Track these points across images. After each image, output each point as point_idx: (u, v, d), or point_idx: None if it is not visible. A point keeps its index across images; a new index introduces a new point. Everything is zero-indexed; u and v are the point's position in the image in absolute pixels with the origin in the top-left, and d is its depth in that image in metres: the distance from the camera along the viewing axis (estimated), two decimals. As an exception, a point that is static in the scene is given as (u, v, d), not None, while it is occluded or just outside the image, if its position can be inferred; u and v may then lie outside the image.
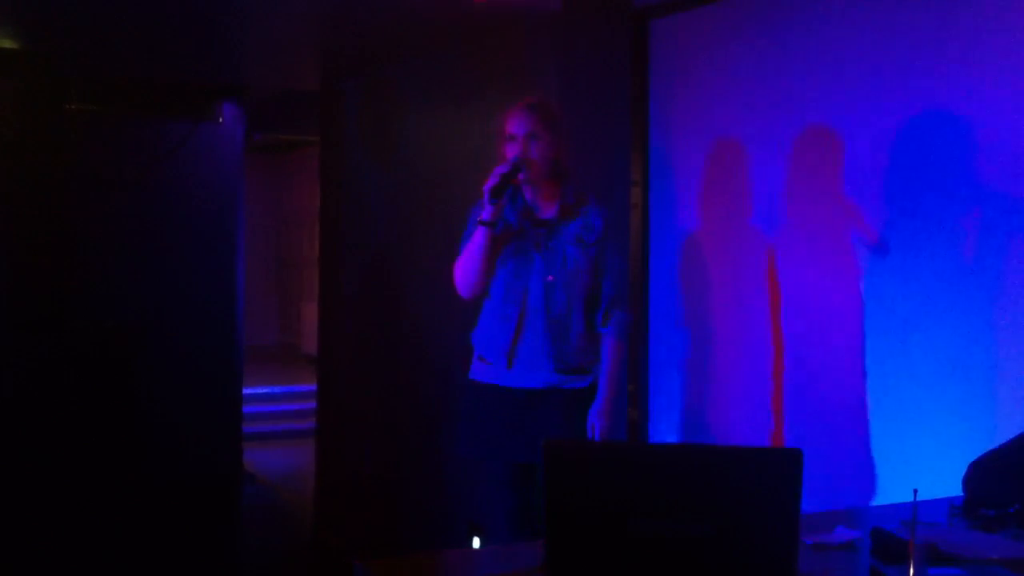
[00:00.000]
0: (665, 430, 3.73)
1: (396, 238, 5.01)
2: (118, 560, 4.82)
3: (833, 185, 3.09)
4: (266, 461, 7.70)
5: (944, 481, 2.34)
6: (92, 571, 4.77)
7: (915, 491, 1.75)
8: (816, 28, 3.16)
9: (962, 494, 2.26)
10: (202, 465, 5.94)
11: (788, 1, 3.28)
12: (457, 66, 4.48)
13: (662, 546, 1.52)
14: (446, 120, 4.60)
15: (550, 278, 2.98)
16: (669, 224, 3.75)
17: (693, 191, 3.66)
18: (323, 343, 5.86)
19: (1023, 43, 2.60)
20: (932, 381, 2.80)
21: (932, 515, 2.15)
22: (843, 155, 3.06)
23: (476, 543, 3.32)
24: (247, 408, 6.66)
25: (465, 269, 3.01)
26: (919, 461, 2.80)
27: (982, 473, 2.23)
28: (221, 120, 6.11)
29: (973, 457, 2.27)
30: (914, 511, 1.71)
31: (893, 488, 2.85)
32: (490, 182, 2.90)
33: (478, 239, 2.96)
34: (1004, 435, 2.36)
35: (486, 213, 2.93)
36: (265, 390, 9.32)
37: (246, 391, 6.63)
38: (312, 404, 6.11)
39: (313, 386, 6.11)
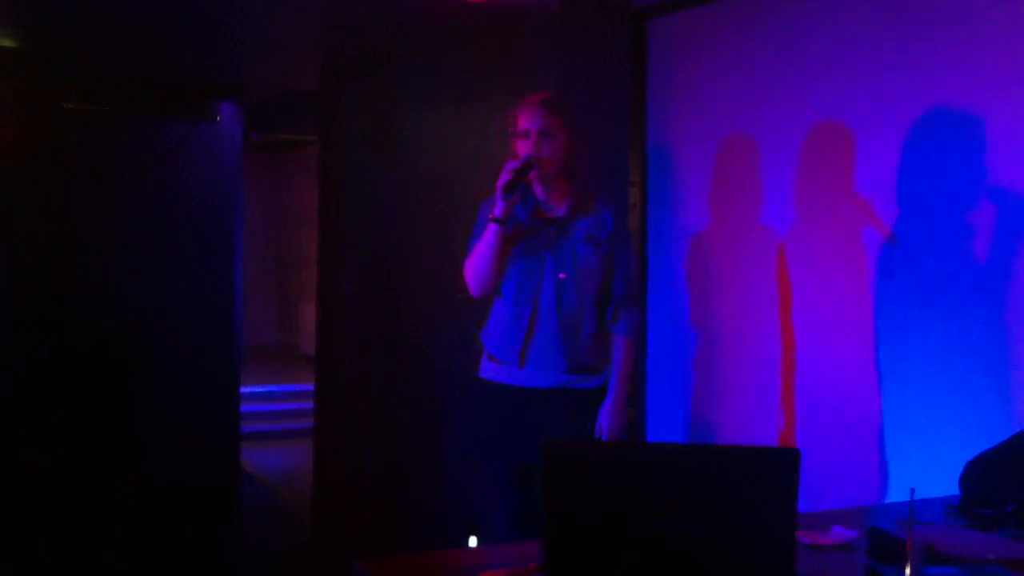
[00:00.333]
0: (664, 430, 3.73)
1: (395, 238, 5.01)
2: (117, 560, 4.82)
3: (840, 183, 3.08)
4: (265, 461, 7.70)
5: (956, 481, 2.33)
6: (91, 571, 4.77)
7: (912, 490, 1.76)
8: (819, 26, 3.15)
9: (959, 493, 2.27)
10: (200, 465, 5.95)
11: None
12: (456, 66, 4.49)
13: (660, 545, 1.53)
14: (445, 120, 4.60)
15: (561, 276, 2.96)
16: (668, 224, 3.75)
17: (693, 191, 3.66)
18: (322, 343, 5.86)
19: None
20: (944, 380, 2.78)
21: (929, 515, 2.16)
22: (851, 153, 3.03)
23: (473, 542, 3.32)
24: (246, 408, 6.67)
25: (476, 267, 2.98)
26: (930, 460, 2.79)
27: (979, 472, 2.24)
28: (220, 120, 6.12)
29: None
30: (911, 510, 1.71)
31: (904, 488, 2.82)
32: (503, 178, 2.87)
33: (489, 236, 2.93)
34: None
35: (498, 210, 2.90)
36: (264, 389, 9.32)
37: (245, 390, 6.64)
38: (311, 404, 6.11)
39: (312, 386, 6.11)
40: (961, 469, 2.27)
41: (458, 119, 4.48)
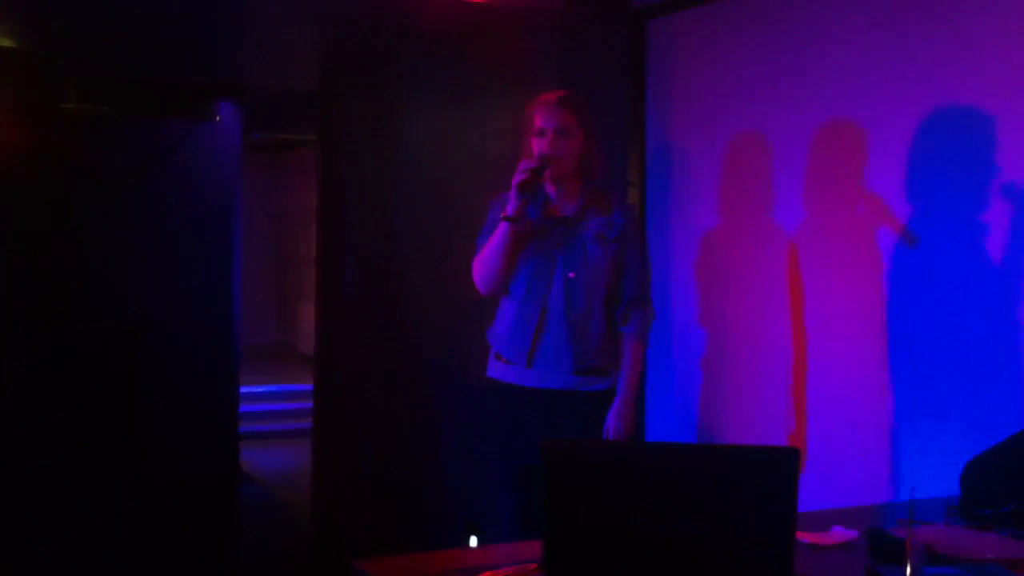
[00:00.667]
0: (671, 431, 3.73)
1: (394, 237, 5.02)
2: (116, 560, 4.82)
3: (851, 182, 3.06)
4: (264, 461, 7.70)
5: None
6: (90, 571, 4.77)
7: (912, 490, 1.76)
8: (823, 25, 3.14)
9: (959, 493, 2.27)
10: (199, 464, 5.94)
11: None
12: (455, 66, 4.49)
13: (660, 545, 1.53)
14: (444, 120, 4.61)
15: (571, 275, 2.92)
16: (667, 224, 3.75)
17: (695, 190, 3.66)
18: (320, 342, 5.86)
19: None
20: (956, 380, 2.76)
21: (929, 514, 2.16)
22: (861, 152, 3.01)
23: (473, 542, 3.32)
24: (244, 407, 6.66)
25: (486, 266, 2.94)
26: (942, 460, 2.77)
27: (978, 472, 2.24)
28: (219, 120, 6.11)
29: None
30: (911, 510, 1.71)
31: (915, 488, 2.81)
32: (518, 177, 2.83)
33: (501, 235, 2.88)
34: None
35: (511, 208, 2.86)
36: (262, 389, 9.33)
37: (243, 390, 6.63)
38: (310, 403, 6.11)
39: (310, 385, 6.11)
40: (962, 468, 2.27)
41: (458, 119, 4.48)
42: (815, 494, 3.02)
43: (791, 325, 3.27)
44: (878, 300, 2.97)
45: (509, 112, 3.92)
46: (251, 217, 10.17)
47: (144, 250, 5.90)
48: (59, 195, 5.05)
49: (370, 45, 4.78)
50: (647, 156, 3.84)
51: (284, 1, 4.11)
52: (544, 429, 2.88)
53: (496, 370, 3.02)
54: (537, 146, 2.91)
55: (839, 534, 2.02)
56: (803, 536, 1.96)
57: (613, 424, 2.95)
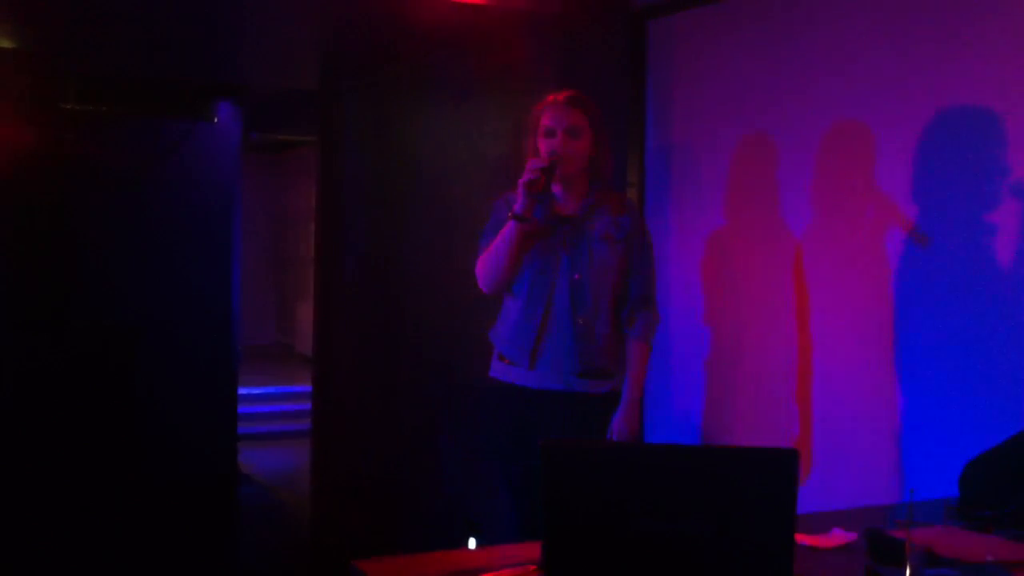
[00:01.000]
0: (665, 432, 3.73)
1: (393, 238, 5.02)
2: (115, 560, 4.82)
3: (857, 182, 3.05)
4: (262, 461, 7.70)
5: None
6: (89, 571, 4.77)
7: (911, 491, 1.76)
8: (826, 24, 3.14)
9: (958, 494, 2.27)
10: (198, 465, 5.94)
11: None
12: (455, 66, 4.49)
13: (659, 545, 1.53)
14: (444, 120, 4.60)
15: (576, 276, 2.88)
16: (666, 225, 3.75)
17: (695, 190, 3.66)
18: (318, 343, 5.86)
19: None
20: (964, 380, 2.75)
21: (928, 516, 2.16)
22: (867, 151, 3.00)
23: (472, 543, 3.32)
24: (243, 408, 6.67)
25: (492, 264, 2.89)
26: (948, 461, 2.76)
27: (978, 473, 2.24)
28: (218, 120, 6.12)
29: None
30: (910, 511, 1.71)
31: (921, 489, 2.80)
32: (526, 176, 2.79)
33: (507, 234, 2.84)
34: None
35: (519, 207, 2.81)
36: (261, 390, 9.33)
37: (242, 391, 6.64)
38: (308, 404, 6.11)
39: (309, 386, 6.11)
40: (962, 470, 2.27)
41: (457, 119, 4.48)
42: (820, 497, 3.01)
43: (795, 327, 3.26)
44: (884, 301, 2.97)
45: (509, 112, 3.92)
46: (250, 217, 10.18)
47: (143, 250, 5.91)
48: (58, 195, 5.06)
49: (370, 45, 4.78)
50: (647, 156, 3.84)
51: (283, 1, 4.11)
52: (546, 430, 2.86)
53: (498, 370, 2.99)
54: (546, 146, 2.88)
55: (839, 536, 2.02)
56: (802, 538, 1.96)
57: (618, 427, 2.92)
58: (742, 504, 1.53)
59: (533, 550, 1.83)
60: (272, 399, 9.38)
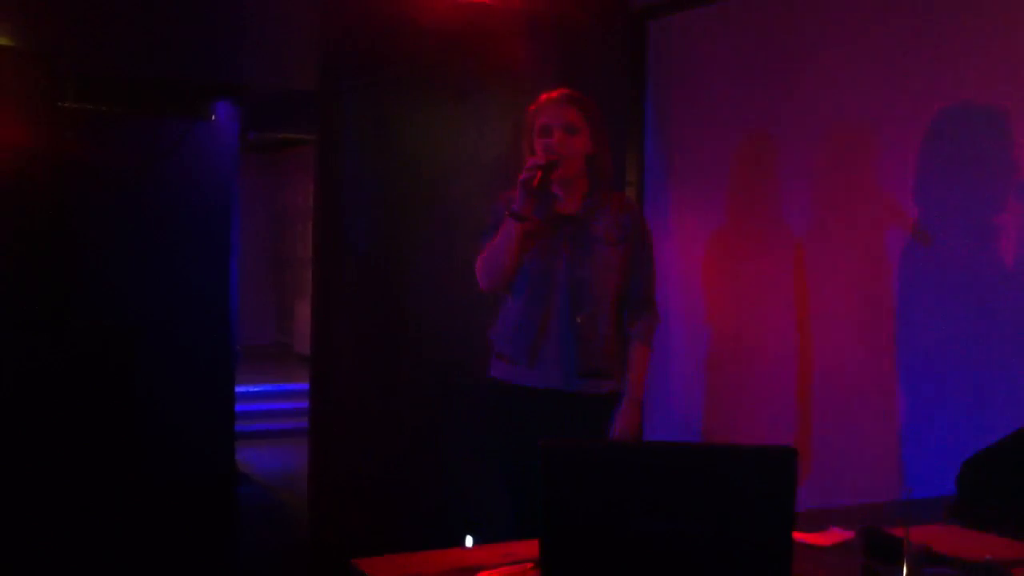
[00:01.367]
0: (664, 431, 3.73)
1: (391, 237, 5.02)
2: (113, 559, 4.82)
3: (858, 181, 3.05)
4: (261, 460, 7.70)
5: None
6: (88, 570, 4.77)
7: (909, 490, 1.76)
8: (824, 22, 3.14)
9: (956, 493, 2.27)
10: (197, 464, 5.95)
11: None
12: (454, 66, 4.49)
13: (657, 544, 1.53)
14: (443, 120, 4.61)
15: (576, 275, 2.86)
16: (665, 224, 3.76)
17: (692, 191, 3.67)
18: (317, 342, 5.86)
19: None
20: (965, 380, 2.75)
21: (926, 514, 2.16)
22: (870, 151, 3.00)
23: (469, 542, 3.32)
24: (241, 407, 6.67)
25: (492, 263, 2.87)
26: (949, 460, 2.77)
27: (975, 472, 2.24)
28: (216, 119, 6.12)
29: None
30: (908, 510, 1.72)
31: (921, 488, 2.80)
32: (524, 174, 2.78)
33: (508, 232, 2.82)
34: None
35: (517, 205, 2.80)
36: (260, 389, 9.33)
37: (240, 390, 6.64)
38: (306, 403, 6.11)
39: (307, 385, 6.12)
40: (959, 468, 2.28)
41: (456, 119, 4.48)
42: (818, 495, 3.02)
43: (795, 326, 3.27)
44: (883, 301, 2.97)
45: (508, 112, 3.92)
46: (249, 216, 10.19)
47: (141, 249, 5.91)
48: (56, 194, 5.04)
49: (368, 45, 4.78)
50: (646, 156, 3.84)
51: (282, 1, 4.11)
52: (545, 430, 2.83)
53: (498, 369, 2.97)
54: (543, 145, 2.86)
55: (836, 534, 2.02)
56: (800, 536, 1.96)
57: (619, 427, 2.91)
58: (741, 502, 1.53)
59: (531, 548, 1.83)
60: (270, 397, 9.38)
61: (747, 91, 3.43)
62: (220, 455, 6.17)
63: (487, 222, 2.98)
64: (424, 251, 4.67)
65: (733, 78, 3.49)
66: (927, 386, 2.87)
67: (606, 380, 2.92)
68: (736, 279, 3.51)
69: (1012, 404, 2.64)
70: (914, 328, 2.90)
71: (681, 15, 3.68)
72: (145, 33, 4.65)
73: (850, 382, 3.09)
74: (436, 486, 4.53)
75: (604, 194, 2.96)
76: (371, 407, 5.16)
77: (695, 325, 3.65)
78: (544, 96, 2.93)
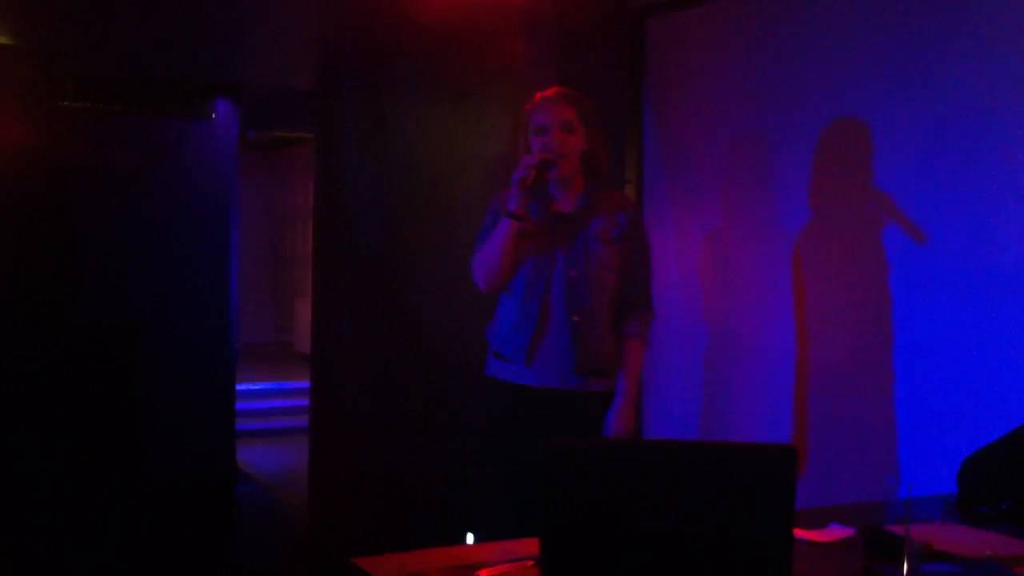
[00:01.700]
0: (663, 429, 3.73)
1: (391, 236, 5.01)
2: (113, 558, 4.82)
3: (856, 181, 3.06)
4: (260, 459, 7.70)
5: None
6: (87, 569, 4.77)
7: (909, 487, 1.76)
8: (822, 21, 3.14)
9: (956, 490, 2.28)
10: (197, 463, 5.94)
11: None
12: (453, 64, 4.49)
13: (657, 542, 1.53)
14: (442, 118, 4.60)
15: (572, 273, 2.86)
16: (664, 222, 3.76)
17: (691, 189, 3.67)
18: (316, 340, 5.86)
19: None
20: (963, 379, 2.76)
21: (926, 512, 2.16)
22: (868, 151, 3.00)
23: (470, 539, 3.32)
24: (241, 405, 6.66)
25: (487, 263, 2.88)
26: (946, 459, 2.77)
27: (976, 469, 2.25)
28: (216, 117, 6.11)
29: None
30: (908, 507, 1.72)
31: (918, 487, 2.80)
32: (518, 173, 2.78)
33: (503, 231, 2.82)
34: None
35: (512, 204, 2.80)
36: (259, 387, 9.33)
37: (240, 388, 6.63)
38: (306, 401, 6.11)
39: (307, 383, 6.11)
40: (960, 466, 2.28)
41: (455, 117, 4.48)
42: (817, 493, 3.02)
43: (792, 323, 3.27)
44: (880, 298, 2.97)
45: (507, 111, 3.92)
46: (248, 215, 10.18)
47: (140, 248, 5.90)
48: (55, 193, 5.05)
49: (368, 43, 4.78)
50: (644, 154, 3.84)
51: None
52: (542, 428, 2.83)
53: (494, 368, 2.98)
54: (538, 144, 2.86)
55: (836, 531, 2.02)
56: (800, 533, 1.96)
57: (613, 424, 2.91)
58: (741, 500, 1.53)
59: (531, 546, 1.83)
60: (270, 396, 9.38)
61: (745, 89, 3.43)
62: (220, 453, 6.16)
63: (483, 221, 2.98)
64: (425, 249, 4.67)
65: (731, 76, 3.49)
66: (923, 384, 2.87)
67: (602, 378, 2.93)
68: (734, 276, 3.51)
69: (1010, 402, 2.64)
70: (910, 324, 2.90)
71: (679, 13, 3.69)
72: (144, 32, 4.65)
73: (847, 380, 3.09)
74: (437, 484, 4.53)
75: (600, 192, 2.95)
76: (371, 405, 5.15)
77: (693, 323, 3.65)
78: (539, 95, 2.93)
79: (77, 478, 5.00)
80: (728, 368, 3.53)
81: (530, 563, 1.82)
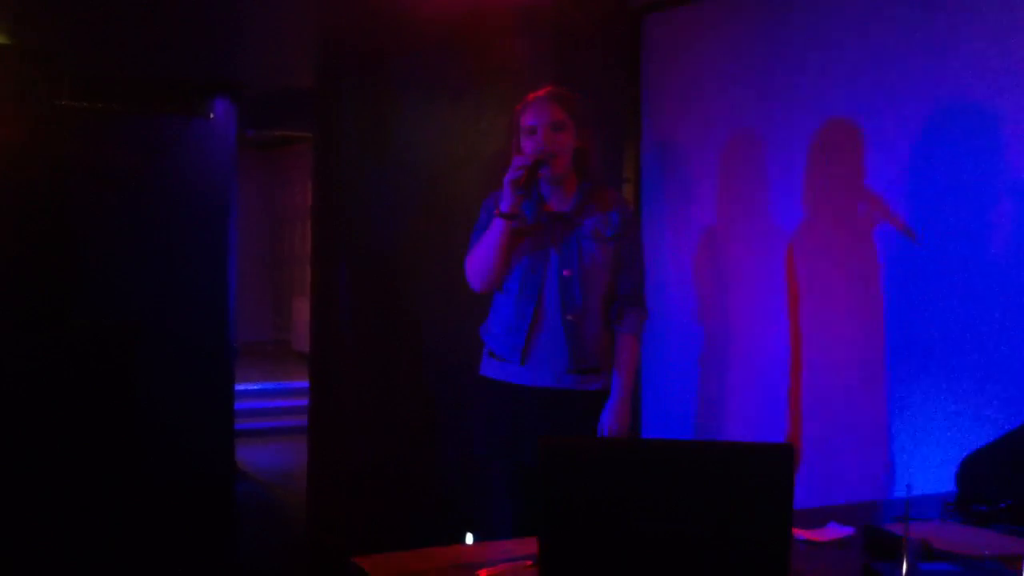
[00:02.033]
0: (660, 428, 3.73)
1: (390, 235, 5.01)
2: (112, 558, 4.82)
3: (850, 180, 3.06)
4: (259, 458, 7.70)
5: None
6: (87, 569, 4.77)
7: (908, 487, 1.76)
8: (819, 21, 3.14)
9: (955, 490, 2.28)
10: (195, 462, 5.94)
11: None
12: (452, 63, 4.49)
13: (655, 541, 1.53)
14: (440, 117, 4.60)
15: (566, 273, 2.86)
16: (662, 221, 3.76)
17: (689, 188, 3.67)
18: (315, 339, 5.86)
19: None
20: (956, 378, 2.76)
21: (925, 511, 2.17)
22: (861, 150, 3.00)
23: (469, 539, 3.32)
24: (240, 405, 6.66)
25: (480, 263, 2.89)
26: (940, 458, 2.78)
27: (975, 469, 2.25)
28: (214, 116, 6.11)
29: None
30: (907, 507, 1.72)
31: (913, 485, 2.80)
32: (511, 174, 2.79)
33: (496, 232, 2.84)
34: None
35: (505, 204, 2.81)
36: (258, 387, 9.32)
37: (239, 388, 6.63)
38: (305, 401, 6.11)
39: (306, 382, 6.11)
40: (959, 465, 2.28)
41: (453, 116, 4.48)
42: (814, 493, 3.02)
43: (788, 322, 3.27)
44: (876, 298, 2.97)
45: (505, 109, 3.91)
46: (246, 214, 10.18)
47: (138, 247, 5.90)
48: (53, 192, 5.04)
49: (366, 42, 4.78)
50: (642, 153, 3.84)
51: (280, -2, 4.11)
52: (537, 428, 2.85)
53: (489, 368, 2.98)
54: (529, 144, 2.87)
55: (835, 531, 2.02)
56: (799, 533, 1.96)
57: (608, 423, 2.91)
58: (738, 500, 1.53)
59: (530, 546, 1.84)
60: (269, 395, 9.38)
61: (742, 87, 3.43)
62: (219, 453, 6.16)
63: (477, 220, 2.99)
64: (424, 248, 4.67)
65: (728, 74, 3.49)
66: (919, 384, 2.87)
67: (597, 377, 2.93)
68: (730, 275, 3.51)
69: (1007, 402, 2.64)
70: (906, 324, 2.91)
71: (676, 11, 3.69)
72: (142, 31, 4.65)
73: (843, 379, 3.09)
74: (436, 484, 4.53)
75: (593, 191, 2.95)
76: (370, 405, 5.16)
77: (690, 322, 3.65)
78: (530, 96, 2.94)
79: (77, 477, 5.00)
80: (725, 367, 3.53)
81: (529, 563, 1.82)
